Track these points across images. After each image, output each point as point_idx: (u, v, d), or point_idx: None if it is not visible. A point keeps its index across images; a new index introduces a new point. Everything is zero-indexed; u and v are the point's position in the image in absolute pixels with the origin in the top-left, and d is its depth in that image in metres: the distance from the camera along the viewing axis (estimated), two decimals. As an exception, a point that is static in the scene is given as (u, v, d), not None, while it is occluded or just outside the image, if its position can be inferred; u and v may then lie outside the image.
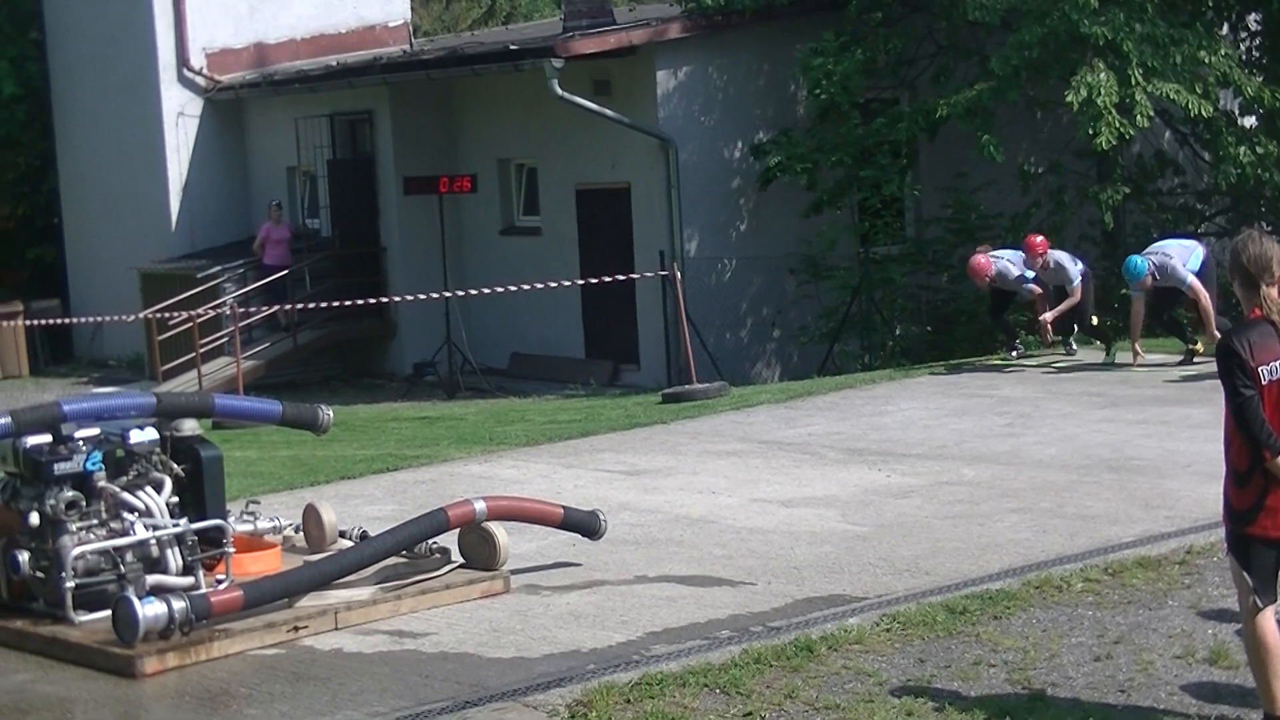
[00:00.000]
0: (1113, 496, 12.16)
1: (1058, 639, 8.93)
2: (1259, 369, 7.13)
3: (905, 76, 25.32)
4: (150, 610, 9.02)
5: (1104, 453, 13.74)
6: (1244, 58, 24.52)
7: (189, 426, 10.48)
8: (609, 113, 25.25)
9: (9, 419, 9.76)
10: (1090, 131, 21.63)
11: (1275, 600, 7.33)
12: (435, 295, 26.27)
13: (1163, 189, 25.24)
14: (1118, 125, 21.52)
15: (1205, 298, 18.36)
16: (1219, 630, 8.90)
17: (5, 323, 32.30)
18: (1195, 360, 18.60)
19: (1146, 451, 13.68)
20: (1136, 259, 19.28)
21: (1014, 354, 20.50)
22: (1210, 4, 23.97)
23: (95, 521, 9.79)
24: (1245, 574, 7.30)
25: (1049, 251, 20.12)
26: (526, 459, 15.01)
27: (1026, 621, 9.27)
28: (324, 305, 26.67)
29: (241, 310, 27.17)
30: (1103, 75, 21.49)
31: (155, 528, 9.83)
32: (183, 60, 31.96)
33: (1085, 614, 9.38)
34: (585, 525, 11.09)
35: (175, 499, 10.08)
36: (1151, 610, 9.40)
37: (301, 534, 11.18)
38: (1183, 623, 9.14)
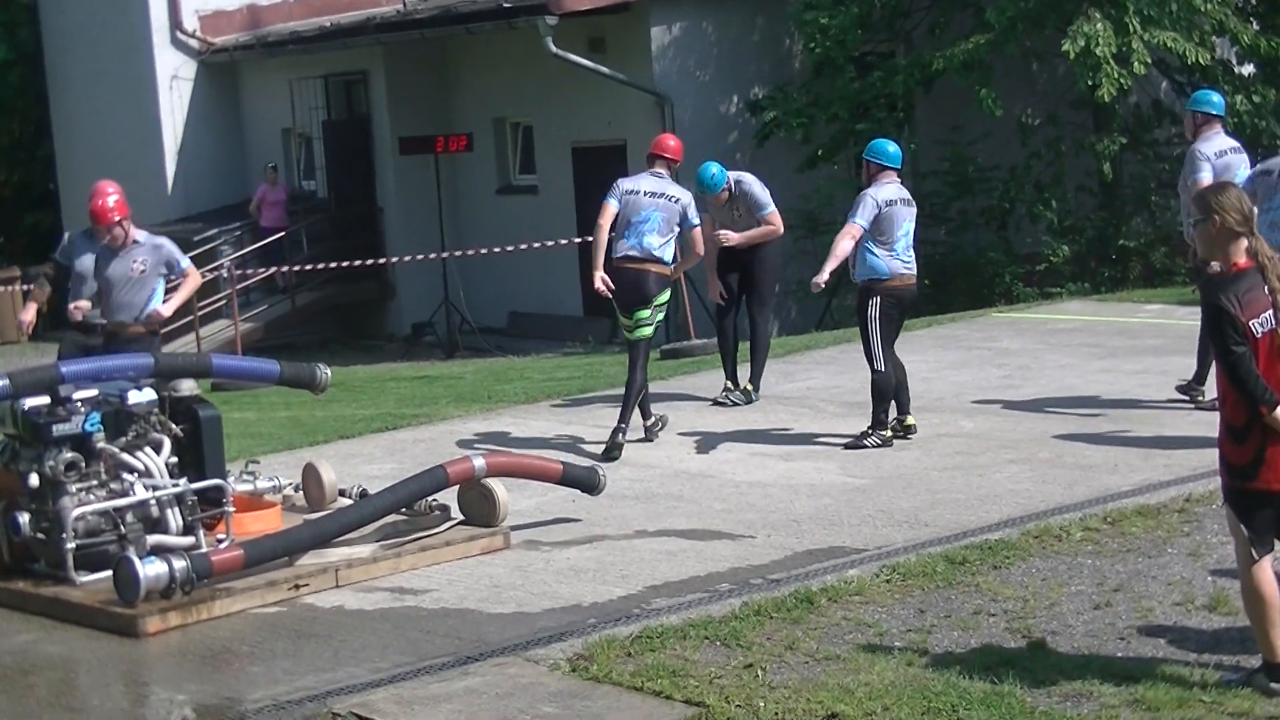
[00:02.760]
0: (1111, 446, 12.17)
1: (1057, 588, 8.95)
2: (1250, 323, 7.09)
3: (900, 30, 25.29)
4: (151, 570, 9.04)
5: (1103, 402, 13.74)
6: (1239, 5, 24.48)
7: (187, 387, 10.49)
8: (604, 70, 25.23)
9: (7, 381, 9.78)
10: (1090, 83, 21.61)
11: (1272, 550, 7.33)
12: (433, 255, 26.28)
13: (1160, 139, 25.22)
14: (1117, 76, 21.51)
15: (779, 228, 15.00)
16: (1218, 577, 8.91)
17: (3, 289, 32.27)
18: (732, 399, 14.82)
19: (1145, 401, 13.68)
20: (716, 165, 15.15)
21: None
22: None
23: (95, 482, 9.80)
24: (1243, 526, 7.30)
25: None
26: (526, 416, 15.01)
27: (1026, 571, 9.29)
28: (321, 267, 26.67)
29: (239, 273, 27.14)
30: (1099, 25, 21.46)
31: (155, 488, 9.84)
32: (176, 23, 31.88)
33: (1085, 563, 9.39)
34: (584, 481, 11.09)
35: (174, 459, 10.10)
36: (1151, 558, 9.41)
37: (301, 493, 11.19)
38: (1182, 570, 9.15)
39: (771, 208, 14.94)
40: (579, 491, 11.15)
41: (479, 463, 10.46)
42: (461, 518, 10.60)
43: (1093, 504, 10.50)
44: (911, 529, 10.28)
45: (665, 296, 13.64)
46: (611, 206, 13.78)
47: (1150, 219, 24.91)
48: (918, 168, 25.60)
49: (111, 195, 13.52)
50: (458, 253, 26.57)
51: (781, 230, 15.12)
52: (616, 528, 10.74)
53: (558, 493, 11.32)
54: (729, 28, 25.68)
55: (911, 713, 7.23)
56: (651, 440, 13.41)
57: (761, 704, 7.41)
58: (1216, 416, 7.51)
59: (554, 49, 24.73)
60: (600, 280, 13.51)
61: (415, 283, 28.85)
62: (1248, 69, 24.55)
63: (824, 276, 12.79)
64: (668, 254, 13.60)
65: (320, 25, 31.16)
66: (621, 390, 13.70)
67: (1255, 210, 7.49)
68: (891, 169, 13.07)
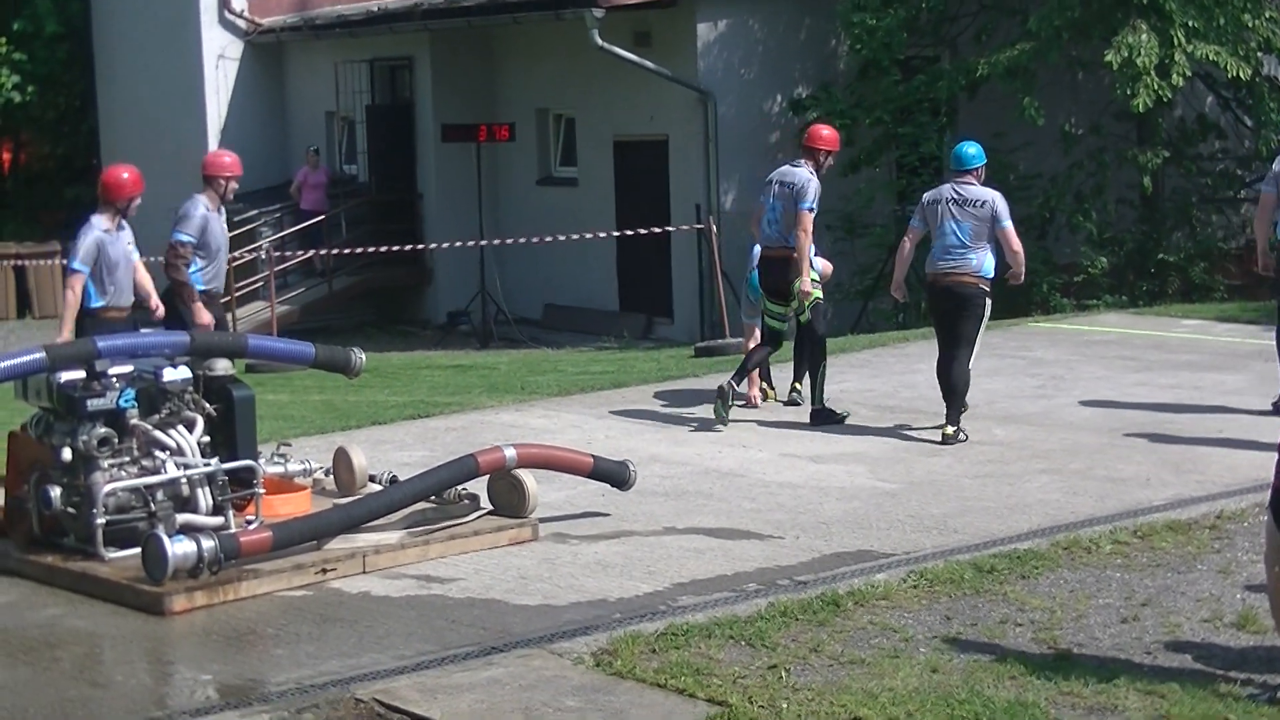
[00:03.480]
0: (1144, 460, 12.13)
1: (1085, 600, 8.93)
2: None
3: (946, 34, 25.20)
4: (180, 548, 9.06)
5: (1136, 416, 13.70)
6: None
7: (222, 366, 10.51)
8: (648, 64, 25.20)
9: (44, 354, 9.80)
10: (1128, 92, 21.55)
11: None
12: (471, 244, 26.28)
13: (1203, 153, 25.11)
14: (1155, 88, 21.44)
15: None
16: (1247, 595, 8.89)
17: (42, 262, 32.38)
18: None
19: (1179, 416, 13.63)
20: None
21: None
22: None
23: (127, 459, 9.82)
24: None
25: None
26: (558, 409, 15.02)
27: (1054, 582, 9.27)
28: (360, 251, 26.69)
29: (277, 254, 27.20)
30: (1144, 36, 21.40)
31: (186, 466, 9.85)
32: (224, 2, 31.93)
33: (1113, 576, 9.37)
34: (615, 475, 11.09)
35: (206, 438, 10.10)
36: (1180, 574, 9.39)
37: (331, 477, 11.21)
38: (1211, 587, 9.13)
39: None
40: (609, 486, 11.15)
41: (509, 453, 10.45)
42: (490, 508, 10.60)
43: (1123, 517, 10.47)
44: (940, 535, 10.26)
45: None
46: (760, 204, 14.36)
47: (1191, 234, 24.81)
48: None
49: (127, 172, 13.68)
50: (496, 242, 26.58)
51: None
52: (645, 524, 10.74)
53: (588, 486, 11.31)
54: (775, 26, 25.64)
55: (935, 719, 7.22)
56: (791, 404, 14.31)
57: (784, 705, 7.40)
58: (1249, 434, 7.48)
59: (599, 42, 24.72)
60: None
61: (452, 271, 28.87)
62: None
63: (895, 284, 14.15)
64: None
65: (368, 9, 31.18)
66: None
67: None
68: (961, 170, 13.41)
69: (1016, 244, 13.22)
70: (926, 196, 13.53)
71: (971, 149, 13.52)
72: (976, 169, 13.42)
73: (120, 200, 13.54)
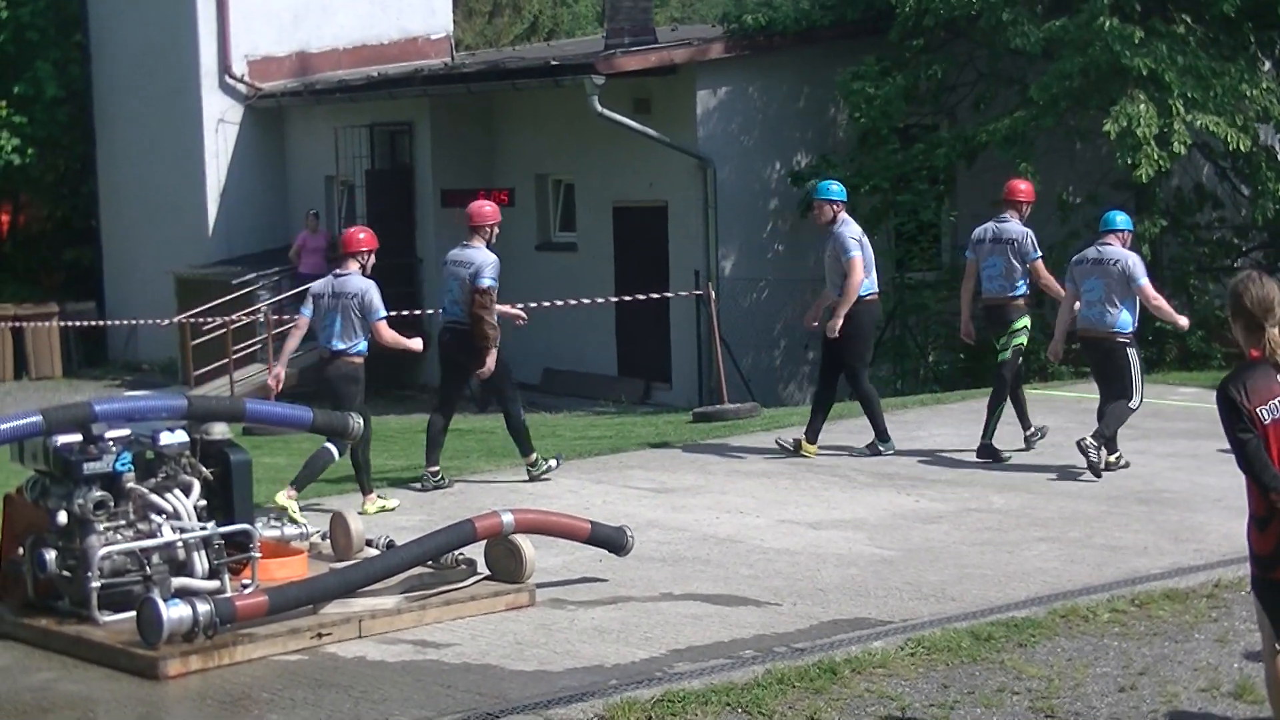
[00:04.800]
0: (1141, 528, 12.12)
1: (1083, 668, 8.90)
2: (1257, 410, 7.11)
3: (945, 103, 25.29)
4: (175, 612, 9.03)
5: (1134, 484, 13.70)
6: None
7: (219, 430, 10.50)
8: (648, 131, 25.26)
9: (40, 417, 9.78)
10: (1129, 163, 21.60)
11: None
12: (469, 308, 26.25)
13: (1201, 223, 25.16)
14: (1156, 158, 21.49)
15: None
16: (1245, 664, 8.87)
17: (40, 324, 32.42)
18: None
19: (1176, 484, 13.64)
20: (838, 184, 16.09)
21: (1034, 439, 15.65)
22: (1253, 39, 23.91)
23: (123, 522, 9.80)
24: (1266, 616, 7.27)
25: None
26: (556, 474, 14.99)
27: (1051, 650, 9.25)
28: (358, 315, 26.62)
29: (275, 317, 27.20)
30: (1142, 106, 21.46)
31: (182, 530, 9.84)
32: (225, 67, 32.09)
33: (1111, 644, 9.35)
34: (612, 541, 11.07)
35: (203, 502, 10.09)
36: (1178, 643, 9.37)
37: (328, 541, 11.19)
38: (1209, 656, 9.10)
39: (854, 253, 15.29)
40: (606, 551, 11.13)
41: (507, 518, 10.44)
42: (487, 573, 10.58)
43: (1121, 585, 10.45)
44: (938, 603, 10.24)
45: (1022, 322, 15.29)
46: (970, 260, 15.56)
47: (1188, 302, 24.82)
48: (957, 240, 25.59)
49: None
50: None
51: (859, 278, 15.31)
52: (642, 589, 10.72)
53: (585, 551, 11.29)
54: (775, 94, 25.74)
55: (931, 789, 7.19)
56: (1030, 449, 15.11)
57: (780, 774, 7.38)
58: (1246, 502, 7.48)
59: (599, 108, 24.78)
60: (964, 330, 16.12)
61: (451, 335, 28.83)
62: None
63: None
64: (1017, 290, 15.17)
65: (368, 75, 31.33)
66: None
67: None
68: (1108, 231, 14.61)
69: (1155, 299, 14.53)
70: (1077, 256, 14.76)
71: (1119, 217, 14.73)
72: (1120, 232, 14.56)
73: (361, 254, 14.87)
